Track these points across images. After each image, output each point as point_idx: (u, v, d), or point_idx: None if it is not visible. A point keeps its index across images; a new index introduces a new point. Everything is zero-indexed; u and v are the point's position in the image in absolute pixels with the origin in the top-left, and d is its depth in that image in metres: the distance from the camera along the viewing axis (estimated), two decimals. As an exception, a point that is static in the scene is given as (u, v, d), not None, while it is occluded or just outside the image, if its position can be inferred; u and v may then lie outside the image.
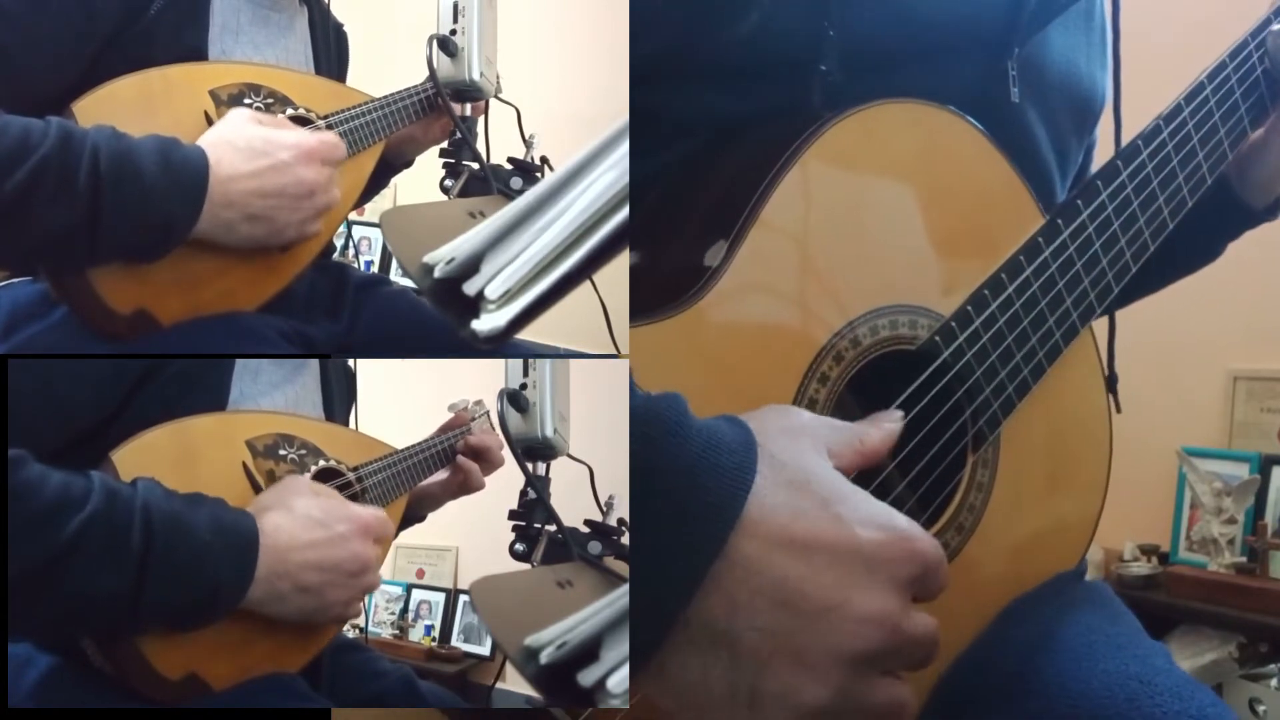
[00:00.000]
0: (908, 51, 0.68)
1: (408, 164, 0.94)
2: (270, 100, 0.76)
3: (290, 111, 0.77)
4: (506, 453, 0.94)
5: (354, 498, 0.74)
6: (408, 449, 0.83)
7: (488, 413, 0.94)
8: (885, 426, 0.59)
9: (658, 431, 0.49)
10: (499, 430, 0.93)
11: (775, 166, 0.60)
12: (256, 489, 0.68)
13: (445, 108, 0.90)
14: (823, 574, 0.48)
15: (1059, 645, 0.66)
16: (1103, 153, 0.84)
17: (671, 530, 0.48)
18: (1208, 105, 0.79)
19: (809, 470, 0.52)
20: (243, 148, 0.69)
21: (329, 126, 0.79)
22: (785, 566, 0.48)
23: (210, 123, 0.72)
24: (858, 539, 0.49)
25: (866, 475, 0.63)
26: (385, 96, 0.85)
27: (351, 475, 0.75)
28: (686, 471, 0.48)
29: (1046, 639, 0.67)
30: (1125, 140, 0.79)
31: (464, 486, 0.90)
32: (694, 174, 0.67)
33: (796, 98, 0.65)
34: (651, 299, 0.58)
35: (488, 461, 0.92)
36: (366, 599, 0.77)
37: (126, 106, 0.68)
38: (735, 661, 0.48)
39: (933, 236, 0.66)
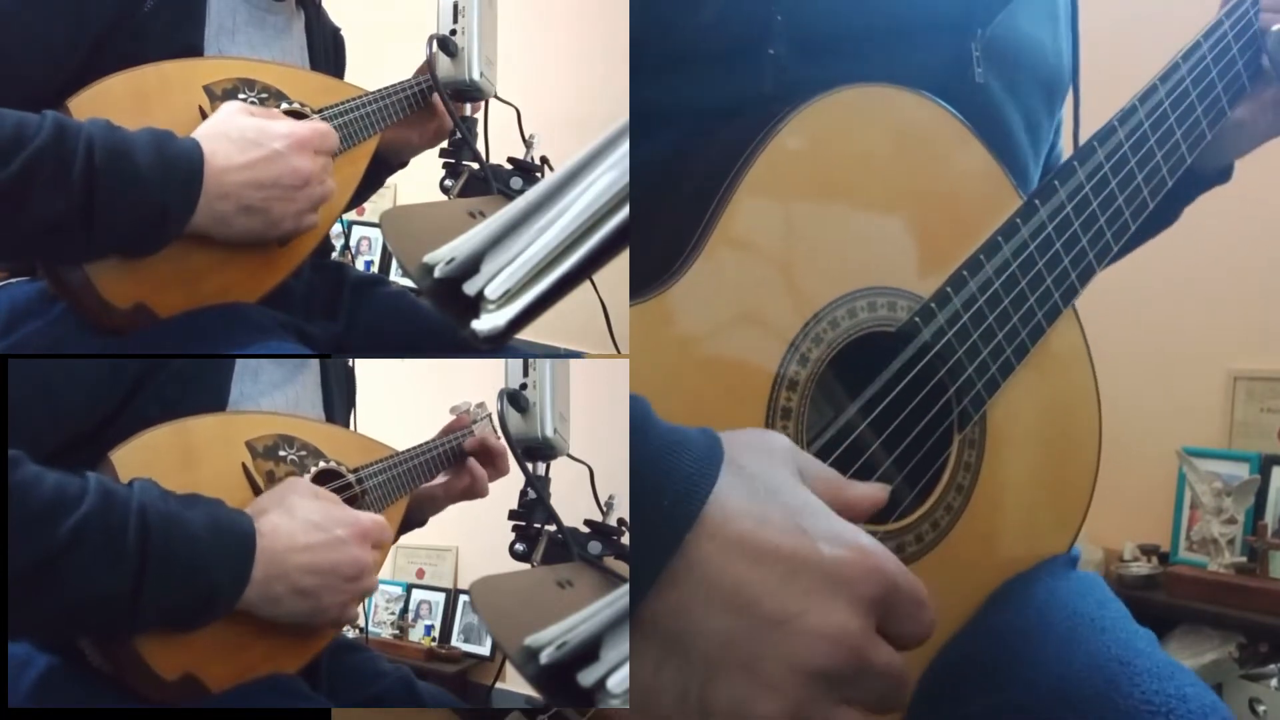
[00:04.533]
0: (865, 34, 0.68)
1: (403, 164, 0.94)
2: (265, 95, 0.76)
3: (285, 106, 0.77)
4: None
5: (354, 499, 0.74)
6: (408, 451, 0.83)
7: (490, 415, 0.94)
8: (873, 490, 0.57)
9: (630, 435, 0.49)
10: (499, 431, 0.93)
11: (743, 156, 0.60)
12: (256, 490, 0.68)
13: (446, 107, 0.90)
14: (781, 584, 0.48)
15: (1044, 630, 0.66)
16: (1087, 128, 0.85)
17: (633, 527, 0.48)
18: (1184, 85, 0.79)
19: (776, 483, 0.51)
20: (236, 139, 0.69)
21: (323, 120, 0.78)
22: (743, 572, 0.48)
23: (205, 118, 0.71)
24: (820, 553, 0.48)
25: (850, 455, 0.64)
26: (379, 90, 0.85)
27: (351, 477, 0.75)
28: (644, 472, 0.48)
29: (1032, 624, 0.67)
30: (1085, 114, 0.80)
31: (468, 492, 0.90)
32: (662, 171, 0.67)
33: (752, 89, 0.65)
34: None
35: (495, 467, 0.91)
36: (365, 603, 0.77)
37: (121, 102, 0.69)
38: (686, 665, 0.47)
39: (909, 220, 0.66)
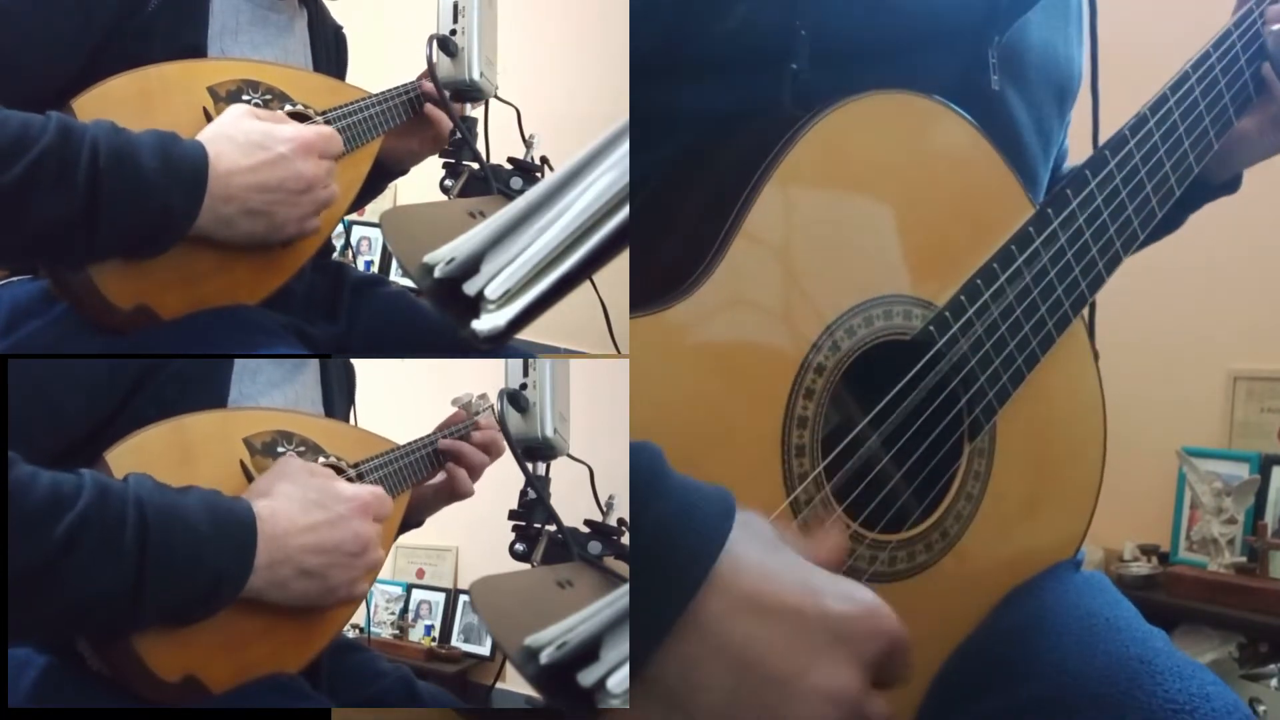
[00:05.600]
0: (885, 45, 0.68)
1: (404, 172, 0.94)
2: (269, 96, 0.76)
3: (289, 107, 0.77)
4: (506, 453, 0.93)
5: (353, 496, 0.74)
6: (408, 445, 0.83)
7: (491, 406, 0.94)
8: (831, 539, 0.58)
9: (634, 483, 0.48)
10: (498, 425, 0.93)
11: (763, 164, 0.60)
12: (255, 488, 0.68)
13: (445, 108, 0.90)
14: (786, 641, 0.48)
15: (1059, 629, 0.67)
16: (1079, 130, 0.86)
17: (643, 582, 0.47)
18: (1192, 95, 0.80)
19: (782, 538, 0.51)
20: (241, 142, 0.69)
21: (327, 122, 0.79)
22: (750, 629, 0.48)
23: (209, 119, 0.71)
24: (826, 609, 0.49)
25: (863, 463, 0.64)
26: (382, 92, 0.85)
27: (352, 472, 0.75)
28: (658, 528, 0.48)
29: (1046, 624, 0.67)
30: (1103, 118, 0.80)
31: (453, 494, 0.90)
32: (679, 177, 0.67)
33: (771, 96, 0.65)
34: (643, 296, 0.59)
35: (466, 464, 0.90)
36: (370, 590, 0.76)
37: (125, 103, 0.69)
38: None
39: (924, 228, 0.66)
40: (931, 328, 0.65)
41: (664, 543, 0.48)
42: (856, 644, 0.49)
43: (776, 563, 0.50)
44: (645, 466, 0.49)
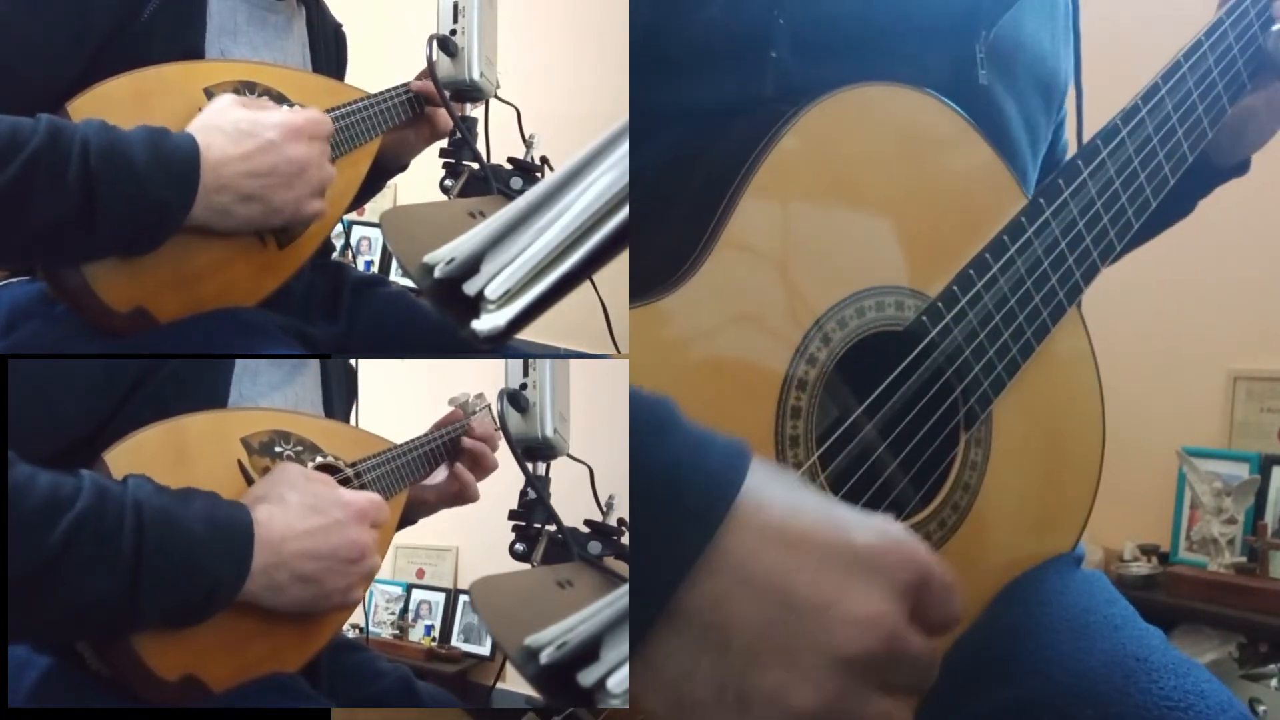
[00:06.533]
0: (870, 36, 0.68)
1: (403, 168, 0.94)
2: (266, 98, 0.76)
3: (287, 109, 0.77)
4: (506, 453, 0.93)
5: (352, 496, 0.74)
6: (406, 444, 0.83)
7: (489, 406, 0.94)
8: None
9: (645, 432, 0.49)
10: (497, 423, 0.93)
11: (750, 157, 0.60)
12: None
13: (445, 107, 0.90)
14: (816, 571, 0.48)
15: (1056, 626, 0.67)
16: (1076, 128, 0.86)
17: (662, 519, 0.47)
18: (1186, 84, 0.80)
19: (800, 480, 0.52)
20: (230, 131, 0.69)
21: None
22: (778, 560, 0.48)
23: (204, 117, 0.71)
24: (853, 540, 0.48)
25: (857, 454, 0.64)
26: (380, 93, 0.85)
27: (349, 471, 0.75)
28: (674, 466, 0.48)
29: (1043, 622, 0.67)
30: (1088, 112, 0.80)
31: (459, 496, 0.89)
32: (668, 170, 0.67)
33: (754, 88, 0.65)
34: (635, 289, 0.59)
35: (481, 467, 0.90)
36: (369, 588, 0.76)
37: (121, 105, 0.69)
38: (724, 656, 0.47)
39: (916, 219, 0.66)
40: (924, 318, 0.66)
41: (680, 478, 0.48)
42: (887, 571, 0.48)
43: (799, 499, 0.50)
44: (657, 416, 0.49)
